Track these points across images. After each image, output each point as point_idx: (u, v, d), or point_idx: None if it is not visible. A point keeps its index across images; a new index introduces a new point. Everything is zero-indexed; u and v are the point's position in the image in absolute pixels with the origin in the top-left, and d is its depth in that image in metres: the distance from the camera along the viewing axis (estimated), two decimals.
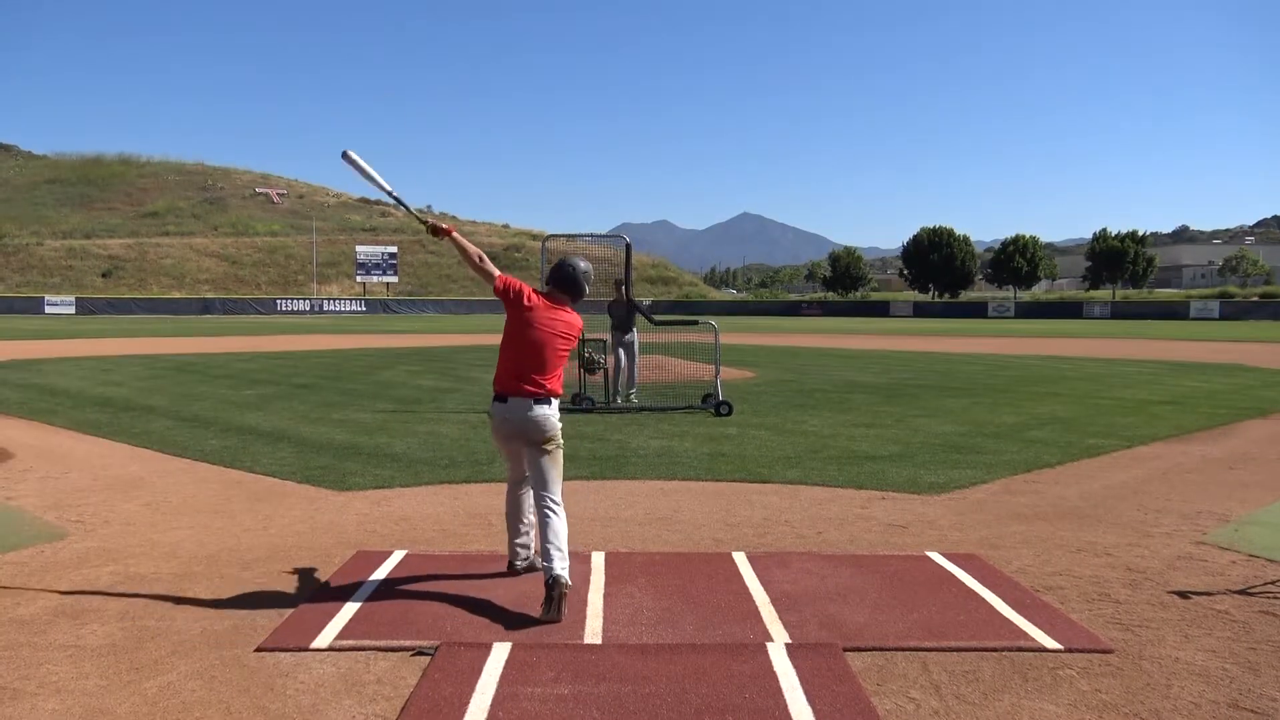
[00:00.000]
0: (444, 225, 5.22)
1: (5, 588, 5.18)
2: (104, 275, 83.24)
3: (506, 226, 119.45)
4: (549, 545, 4.90)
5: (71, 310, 65.39)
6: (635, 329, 13.69)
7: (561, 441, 5.19)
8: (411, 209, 5.70)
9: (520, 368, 5.10)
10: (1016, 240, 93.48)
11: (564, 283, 5.27)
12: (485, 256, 5.22)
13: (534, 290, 5.27)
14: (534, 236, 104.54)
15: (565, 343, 5.20)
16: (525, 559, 5.49)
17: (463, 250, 5.21)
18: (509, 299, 5.17)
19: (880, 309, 79.32)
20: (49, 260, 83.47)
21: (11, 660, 4.16)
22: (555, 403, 5.15)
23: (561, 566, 4.84)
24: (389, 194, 5.38)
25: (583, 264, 5.32)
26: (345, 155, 5.32)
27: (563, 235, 17.18)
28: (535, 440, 5.09)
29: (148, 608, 4.87)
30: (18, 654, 4.23)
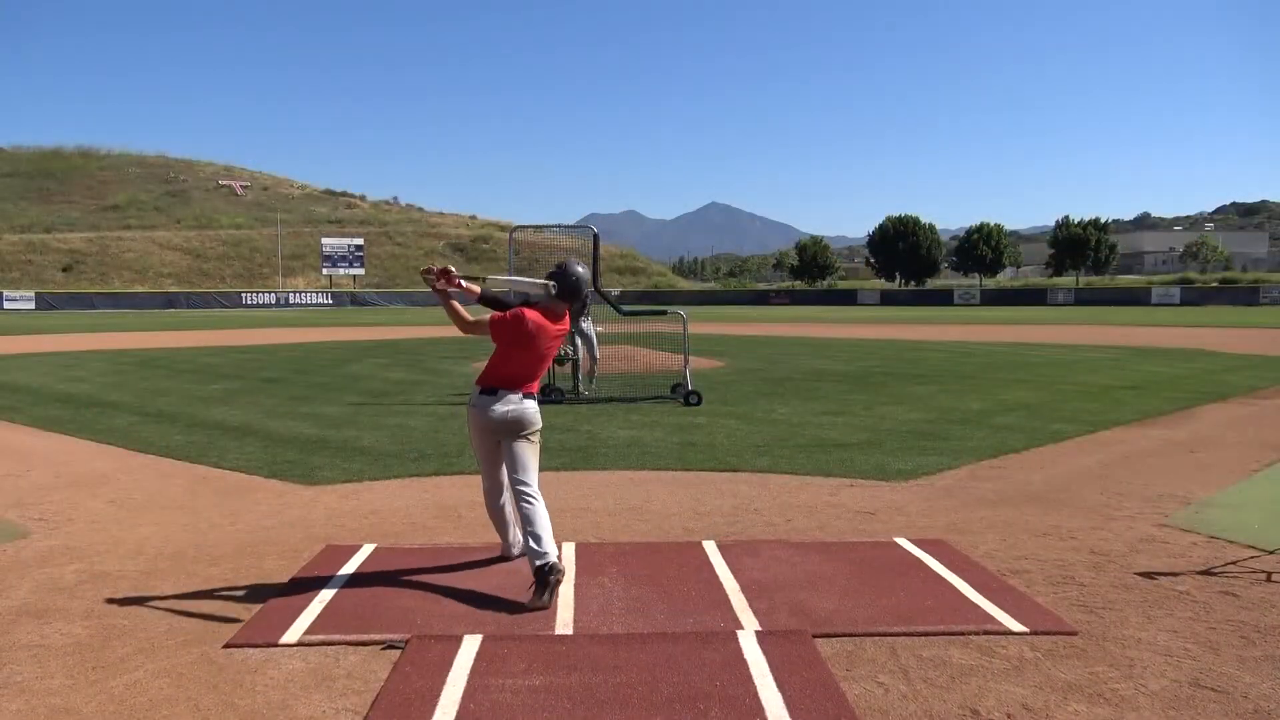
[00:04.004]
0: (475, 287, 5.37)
1: None
2: (64, 270, 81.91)
3: (474, 218, 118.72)
4: (536, 532, 4.97)
5: (31, 305, 64.32)
6: (591, 319, 13.66)
7: (540, 434, 5.32)
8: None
9: (512, 368, 5.21)
10: (981, 228, 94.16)
11: (569, 292, 5.32)
12: (470, 320, 5.31)
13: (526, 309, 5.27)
14: (501, 228, 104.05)
15: (554, 347, 5.40)
16: (521, 548, 5.53)
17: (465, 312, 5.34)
18: (512, 330, 5.17)
19: (848, 297, 79.62)
20: (7, 255, 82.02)
21: None
22: (536, 396, 5.31)
23: (553, 552, 4.92)
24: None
25: (582, 269, 5.42)
26: (483, 280, 5.51)
27: (530, 226, 17.10)
28: (517, 431, 5.19)
29: (113, 606, 4.82)
30: None
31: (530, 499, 5.11)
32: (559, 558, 4.99)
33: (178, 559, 5.66)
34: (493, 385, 5.20)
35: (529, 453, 5.23)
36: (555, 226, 15.85)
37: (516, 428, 5.20)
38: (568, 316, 5.43)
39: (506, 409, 5.15)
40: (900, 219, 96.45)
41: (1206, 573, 5.31)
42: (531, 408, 5.22)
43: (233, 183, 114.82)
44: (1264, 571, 5.30)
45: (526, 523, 5.04)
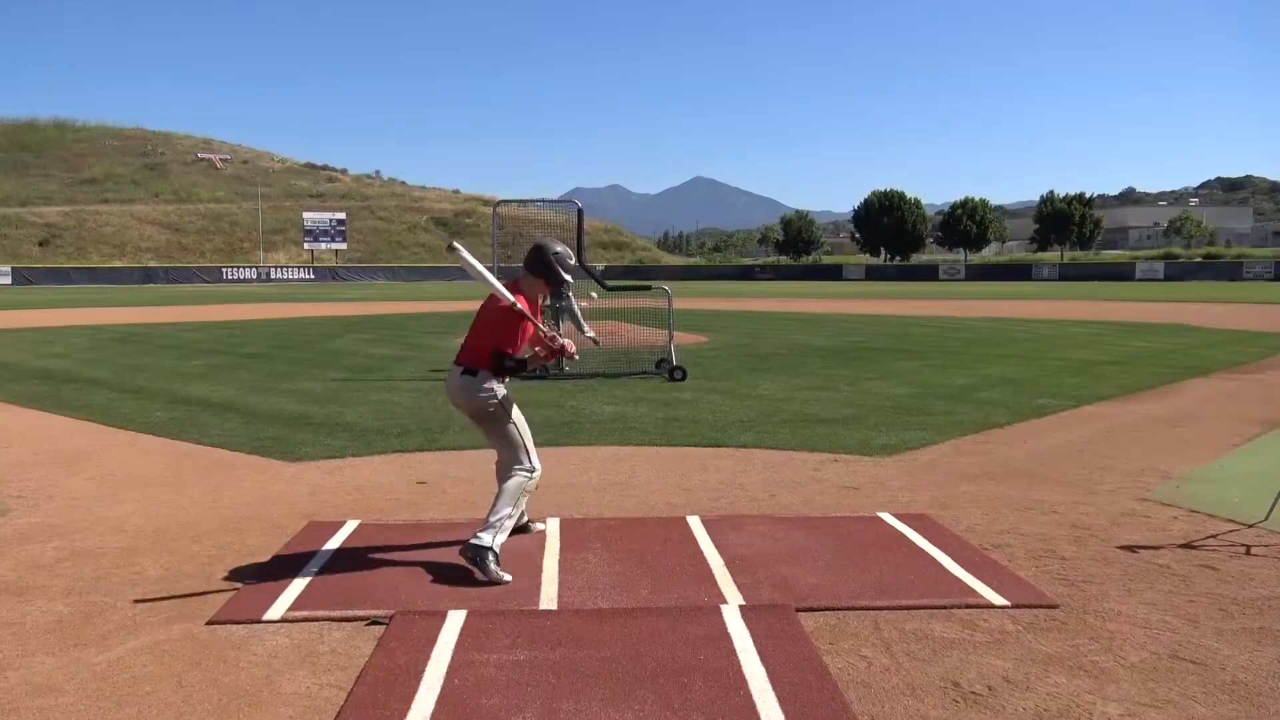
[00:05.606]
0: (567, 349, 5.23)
1: None
2: (41, 244, 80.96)
3: (457, 192, 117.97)
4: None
5: (7, 280, 63.64)
6: (572, 295, 13.63)
7: (493, 410, 5.06)
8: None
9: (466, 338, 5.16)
10: (966, 203, 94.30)
11: (541, 269, 5.14)
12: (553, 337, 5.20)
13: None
14: (485, 202, 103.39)
15: (486, 314, 5.10)
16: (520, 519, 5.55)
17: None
18: None
19: (833, 272, 79.64)
20: None
21: None
22: (481, 373, 5.01)
23: (485, 536, 4.86)
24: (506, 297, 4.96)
25: (560, 247, 5.18)
26: (451, 247, 5.01)
27: (515, 201, 17.03)
28: (467, 411, 5.17)
29: (95, 583, 4.79)
30: None
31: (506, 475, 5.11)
32: (488, 542, 4.85)
33: (159, 536, 5.63)
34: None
35: (493, 432, 5.14)
36: (539, 201, 15.80)
37: (462, 406, 5.15)
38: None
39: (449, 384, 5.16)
40: (885, 194, 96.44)
41: (1187, 546, 5.35)
42: (460, 381, 5.03)
43: (212, 156, 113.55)
44: (1243, 545, 5.35)
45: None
